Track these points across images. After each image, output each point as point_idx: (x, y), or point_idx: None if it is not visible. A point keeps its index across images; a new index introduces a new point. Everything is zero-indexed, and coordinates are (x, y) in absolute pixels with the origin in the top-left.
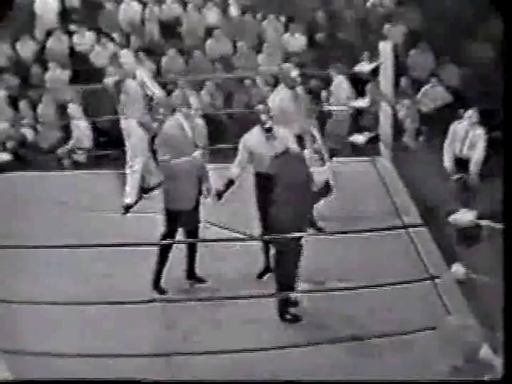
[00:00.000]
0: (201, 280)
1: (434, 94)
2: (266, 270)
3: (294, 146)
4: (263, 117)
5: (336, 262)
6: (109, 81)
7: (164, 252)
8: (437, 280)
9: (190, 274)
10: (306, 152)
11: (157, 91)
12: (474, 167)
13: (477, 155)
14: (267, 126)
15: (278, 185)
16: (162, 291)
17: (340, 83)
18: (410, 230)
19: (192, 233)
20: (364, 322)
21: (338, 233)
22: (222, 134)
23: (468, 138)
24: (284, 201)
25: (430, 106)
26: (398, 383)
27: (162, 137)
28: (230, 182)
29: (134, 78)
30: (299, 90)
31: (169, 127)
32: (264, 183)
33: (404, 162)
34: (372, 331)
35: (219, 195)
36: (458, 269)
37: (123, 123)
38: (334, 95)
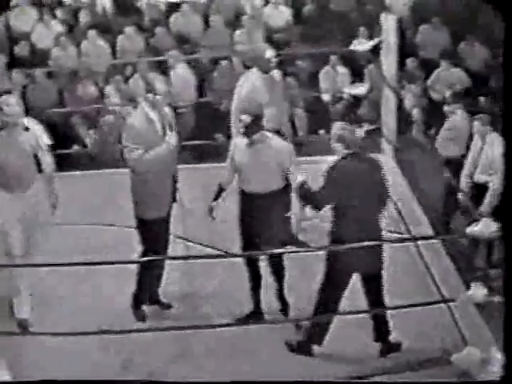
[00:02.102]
0: (165, 305)
1: (449, 78)
2: (254, 314)
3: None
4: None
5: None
6: None
7: (146, 270)
8: (452, 303)
9: (152, 297)
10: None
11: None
12: (489, 200)
13: (495, 185)
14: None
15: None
16: (141, 317)
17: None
18: (419, 242)
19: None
20: (365, 354)
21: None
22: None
23: (482, 157)
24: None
25: (443, 93)
26: (397, 383)
27: (127, 132)
28: (221, 190)
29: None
30: (276, 73)
31: (134, 120)
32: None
33: (411, 160)
34: (375, 366)
35: (211, 210)
36: (477, 290)
37: None
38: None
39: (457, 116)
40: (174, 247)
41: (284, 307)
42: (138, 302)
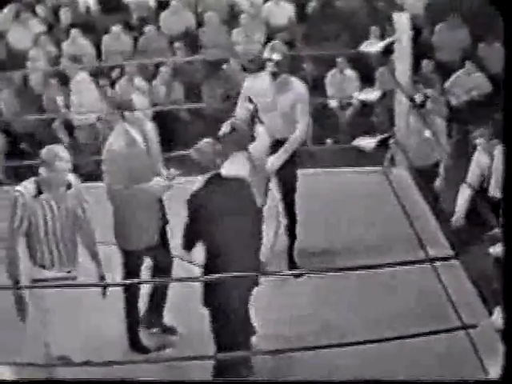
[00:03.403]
0: (170, 330)
1: (469, 81)
2: None
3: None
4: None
5: (330, 310)
6: None
7: (133, 299)
8: (472, 330)
9: (158, 321)
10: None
11: None
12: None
13: None
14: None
15: None
16: (144, 350)
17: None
18: (437, 263)
19: (162, 271)
20: None
21: (332, 270)
22: (179, 137)
23: (493, 172)
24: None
25: (461, 98)
26: (398, 383)
27: (107, 158)
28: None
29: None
30: (290, 79)
31: (114, 144)
32: None
33: (427, 172)
34: None
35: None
36: (500, 316)
37: None
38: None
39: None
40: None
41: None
42: (136, 332)
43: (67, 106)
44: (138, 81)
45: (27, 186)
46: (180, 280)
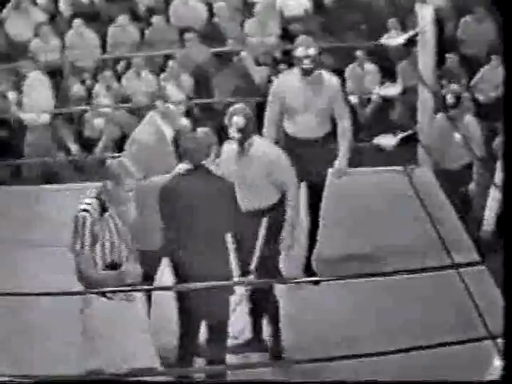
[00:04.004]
0: None
1: (497, 77)
2: None
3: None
4: (232, 130)
5: (350, 318)
6: None
7: None
8: (500, 339)
9: None
10: None
11: None
12: None
13: None
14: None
15: None
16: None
17: None
18: (463, 270)
19: None
20: None
21: (351, 277)
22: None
23: None
24: None
25: (489, 94)
26: (398, 383)
27: (131, 148)
28: None
29: None
30: (323, 75)
31: (142, 133)
32: None
33: (455, 174)
34: None
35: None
36: None
37: None
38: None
39: None
40: None
41: None
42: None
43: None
44: (146, 74)
45: (92, 203)
46: (153, 289)
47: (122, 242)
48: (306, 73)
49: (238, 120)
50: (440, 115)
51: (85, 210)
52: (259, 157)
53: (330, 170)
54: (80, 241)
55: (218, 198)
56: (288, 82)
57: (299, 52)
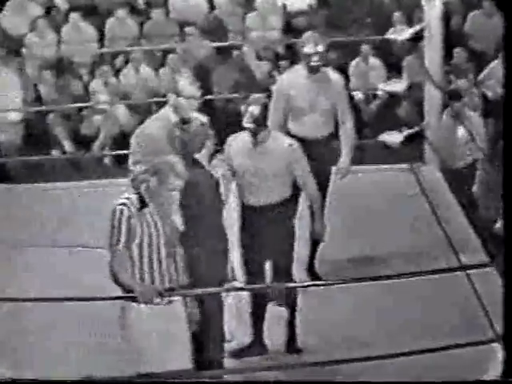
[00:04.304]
0: None
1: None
2: None
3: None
4: (246, 119)
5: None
6: None
7: None
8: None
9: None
10: None
11: None
12: None
13: None
14: (249, 127)
15: None
16: None
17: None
18: (471, 272)
19: None
20: None
21: (353, 281)
22: None
23: None
24: None
25: (497, 91)
26: (398, 383)
27: (139, 141)
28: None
29: None
30: (329, 73)
31: (151, 128)
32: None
33: (461, 173)
34: None
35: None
36: None
37: None
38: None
39: None
40: None
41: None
42: None
43: None
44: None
45: (131, 198)
46: None
47: (161, 241)
48: (312, 70)
49: (254, 109)
50: (446, 112)
51: (122, 204)
52: (277, 148)
53: (333, 169)
54: (116, 236)
55: (205, 193)
56: (293, 79)
57: (308, 49)
